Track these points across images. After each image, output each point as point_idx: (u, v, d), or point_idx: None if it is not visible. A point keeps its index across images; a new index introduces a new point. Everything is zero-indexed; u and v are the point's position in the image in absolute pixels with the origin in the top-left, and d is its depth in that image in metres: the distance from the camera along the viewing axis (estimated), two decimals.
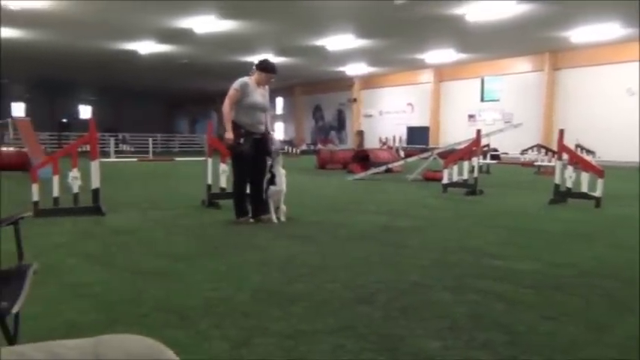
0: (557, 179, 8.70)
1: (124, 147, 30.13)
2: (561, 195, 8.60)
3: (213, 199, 7.71)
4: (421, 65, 30.04)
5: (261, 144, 6.41)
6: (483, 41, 23.31)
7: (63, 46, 24.17)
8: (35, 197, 6.57)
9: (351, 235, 5.77)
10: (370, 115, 36.69)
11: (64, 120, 40.89)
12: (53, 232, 5.68)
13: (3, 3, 16.12)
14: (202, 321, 2.93)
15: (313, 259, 4.58)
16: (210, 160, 7.84)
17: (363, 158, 16.14)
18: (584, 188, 8.40)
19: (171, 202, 8.42)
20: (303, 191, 9.92)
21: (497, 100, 29.20)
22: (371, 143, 32.62)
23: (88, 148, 7.10)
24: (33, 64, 29.88)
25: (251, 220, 6.39)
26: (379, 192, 10.48)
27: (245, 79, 6.42)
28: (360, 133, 36.40)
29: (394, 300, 3.39)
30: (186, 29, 20.47)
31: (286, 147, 31.62)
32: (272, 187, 6.42)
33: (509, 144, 22.85)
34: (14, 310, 1.88)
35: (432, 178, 12.56)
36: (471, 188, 9.95)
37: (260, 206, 6.45)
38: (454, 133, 27.99)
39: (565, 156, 8.84)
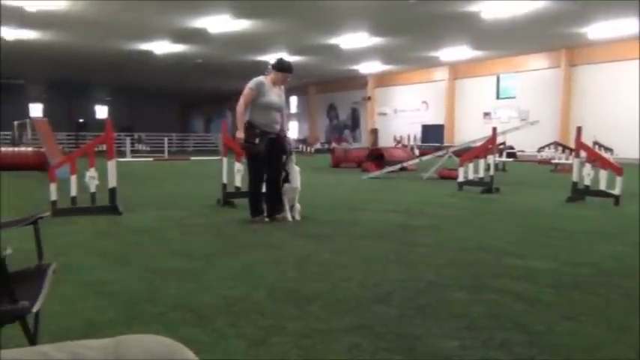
0: (574, 177, 8.60)
1: (140, 146, 30.37)
2: (579, 193, 8.50)
3: (228, 198, 7.74)
4: (436, 63, 29.87)
5: (276, 143, 6.38)
6: (499, 38, 23.12)
7: (79, 47, 24.43)
8: (53, 197, 6.64)
9: (366, 233, 5.75)
10: (384, 114, 36.59)
11: (81, 120, 41.34)
12: (71, 231, 5.74)
13: (21, 4, 16.32)
14: (219, 320, 2.94)
15: (329, 257, 4.58)
16: (225, 160, 7.86)
17: (377, 157, 16.09)
18: (603, 186, 8.29)
19: (186, 201, 8.47)
20: (317, 190, 9.94)
21: (513, 98, 28.95)
22: (385, 142, 32.52)
23: (104, 147, 7.17)
24: (50, 65, 30.26)
25: (266, 220, 6.38)
26: (394, 190, 10.44)
27: (261, 78, 6.39)
28: (375, 132, 36.32)
29: (410, 299, 3.37)
30: (201, 29, 20.57)
31: (300, 146, 31.67)
32: (286, 185, 6.43)
33: (526, 142, 22.63)
34: (34, 309, 1.90)
35: (447, 176, 12.49)
36: (486, 186, 9.87)
37: (275, 205, 6.43)
38: (469, 131, 27.78)
39: (583, 153, 8.73)
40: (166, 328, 2.78)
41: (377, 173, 13.43)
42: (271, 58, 28.06)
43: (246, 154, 6.54)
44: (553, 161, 17.47)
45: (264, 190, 6.50)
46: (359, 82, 36.26)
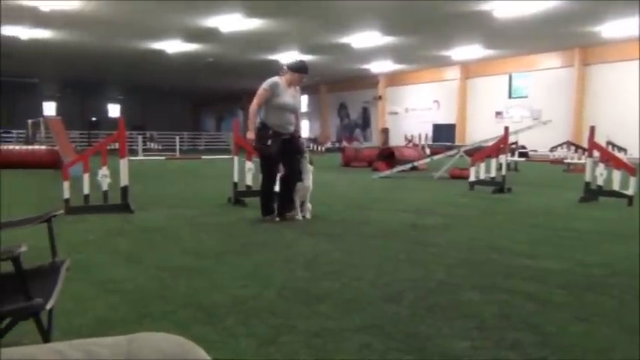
0: (587, 177, 8.52)
1: (152, 145, 30.55)
2: (592, 193, 8.43)
3: (239, 196, 7.76)
4: (447, 62, 29.73)
5: (290, 144, 6.34)
6: (511, 37, 22.96)
7: (93, 47, 24.61)
8: (66, 195, 6.70)
9: (377, 233, 5.75)
10: (395, 113, 36.49)
11: (94, 118, 41.66)
12: (83, 229, 5.79)
13: (35, 4, 16.48)
14: (229, 318, 2.95)
15: (339, 257, 4.58)
16: (236, 158, 7.89)
17: (388, 156, 16.06)
18: (616, 186, 8.21)
19: (198, 199, 8.50)
20: (328, 189, 9.94)
21: (526, 97, 28.74)
22: (396, 141, 32.43)
23: (117, 146, 7.23)
24: (64, 64, 30.52)
25: (277, 219, 6.37)
26: (405, 190, 10.42)
27: (275, 79, 6.31)
28: (385, 131, 36.23)
29: (421, 299, 3.36)
30: (213, 28, 20.63)
31: (311, 145, 31.68)
32: (299, 184, 6.42)
33: (538, 141, 22.47)
34: (48, 306, 1.92)
35: (458, 176, 12.43)
36: (498, 186, 9.82)
37: (286, 204, 6.42)
38: (481, 130, 27.62)
39: (596, 153, 8.66)
40: (177, 326, 2.79)
41: (387, 172, 13.40)
42: (282, 57, 28.19)
43: (260, 155, 6.49)
44: (566, 161, 17.33)
45: (276, 189, 6.49)
46: (370, 81, 36.19)
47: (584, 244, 5.21)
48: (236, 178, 7.81)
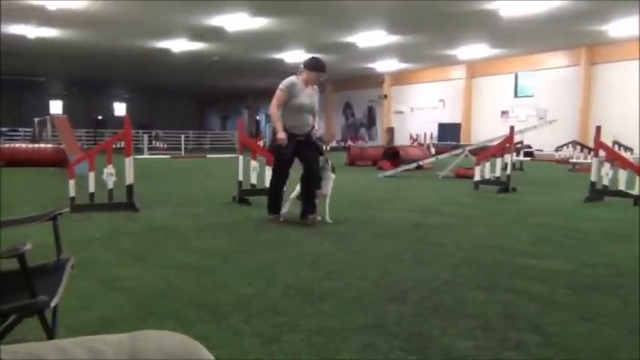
0: (593, 177, 8.49)
1: (158, 144, 30.63)
2: (598, 193, 8.39)
3: (244, 195, 7.78)
4: (453, 61, 29.65)
5: (306, 144, 6.15)
6: (517, 36, 22.88)
7: (98, 45, 24.70)
8: (72, 193, 6.73)
9: (381, 232, 5.74)
10: (401, 112, 36.45)
11: (100, 117, 41.83)
12: (88, 227, 5.82)
13: (42, 3, 16.55)
14: (233, 316, 2.96)
15: (344, 256, 4.58)
16: (241, 157, 7.90)
17: (393, 155, 16.04)
18: (622, 186, 8.18)
19: (203, 198, 8.53)
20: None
21: (532, 96, 28.65)
22: (401, 140, 32.41)
23: (122, 144, 7.25)
24: (70, 63, 30.64)
25: (281, 220, 6.28)
26: (410, 189, 10.40)
27: (292, 78, 6.18)
28: (391, 130, 36.20)
29: (425, 298, 3.36)
30: (218, 27, 20.66)
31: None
32: (317, 191, 6.26)
33: (544, 141, 22.38)
34: (53, 303, 1.93)
35: (463, 175, 12.40)
36: (503, 186, 9.79)
37: (308, 207, 6.16)
38: (486, 129, 27.54)
39: (602, 153, 8.62)
40: (181, 324, 2.81)
41: (392, 172, 13.39)
42: (288, 56, 28.19)
43: (273, 155, 6.42)
44: (571, 160, 17.26)
45: (296, 189, 6.38)
46: (375, 80, 36.15)
47: (589, 245, 5.19)
48: (241, 177, 7.82)
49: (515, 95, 29.61)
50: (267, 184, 7.99)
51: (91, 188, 6.87)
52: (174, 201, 8.09)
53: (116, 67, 32.23)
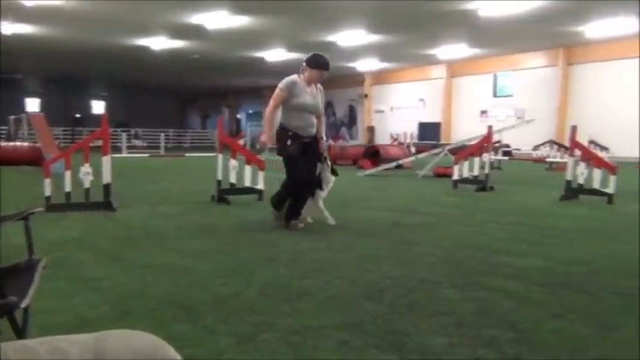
0: (568, 175, 8.63)
1: (137, 142, 30.31)
2: (573, 191, 8.54)
3: (223, 194, 7.75)
4: (433, 61, 29.85)
5: (310, 148, 5.80)
6: (496, 36, 23.12)
7: (77, 42, 24.37)
8: (47, 192, 6.64)
9: (360, 231, 5.77)
10: (381, 111, 36.61)
11: (78, 115, 41.25)
12: (65, 226, 5.75)
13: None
14: (210, 316, 2.95)
15: (322, 255, 4.60)
16: (220, 156, 7.87)
17: (373, 154, 16.11)
18: (597, 185, 8.33)
19: (181, 197, 8.47)
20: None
21: (510, 96, 28.99)
22: (382, 139, 32.55)
23: (100, 143, 7.17)
24: (47, 60, 30.16)
25: (300, 226, 5.85)
26: (389, 188, 10.46)
27: (293, 77, 5.79)
28: (371, 129, 36.34)
29: (402, 296, 3.39)
30: (198, 25, 20.53)
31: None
32: (318, 191, 6.09)
33: (522, 140, 22.67)
34: (23, 304, 1.91)
35: (442, 174, 12.51)
36: (481, 185, 9.91)
37: (294, 210, 5.89)
38: (466, 129, 27.81)
39: (577, 152, 8.76)
40: (157, 323, 2.79)
41: (372, 171, 13.45)
42: (269, 54, 28.10)
43: (283, 159, 5.87)
44: (548, 160, 17.52)
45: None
46: (356, 79, 36.24)
47: (564, 242, 5.29)
48: (220, 176, 7.79)
49: (494, 95, 29.93)
50: (249, 183, 8.00)
51: (68, 187, 6.78)
52: (152, 200, 8.02)
53: (94, 65, 31.83)
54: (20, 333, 1.98)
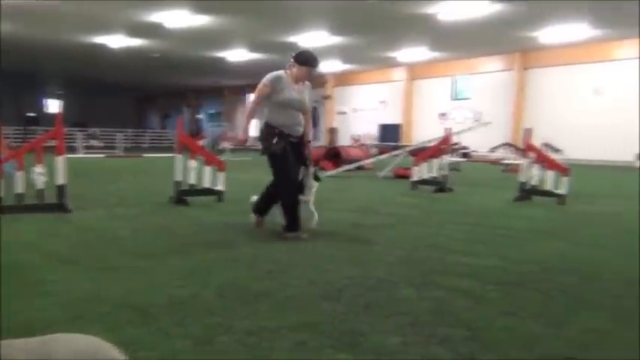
0: (522, 177, 8.88)
1: (94, 142, 29.59)
2: (527, 192, 8.78)
3: (182, 196, 7.65)
4: (394, 63, 30.25)
5: (296, 149, 5.45)
6: (455, 40, 23.60)
7: (29, 39, 23.64)
8: None
9: (320, 232, 5.78)
10: (343, 113, 36.83)
11: (32, 114, 39.99)
12: (16, 229, 5.56)
13: None
14: (165, 319, 2.91)
15: (281, 256, 4.59)
16: (179, 157, 7.77)
17: (334, 155, 16.19)
18: (549, 186, 8.60)
19: (139, 198, 8.32)
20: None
21: (468, 99, 29.61)
22: (344, 140, 32.74)
23: (55, 143, 6.97)
24: None
25: (304, 236, 5.37)
26: (350, 189, 10.53)
27: (279, 73, 5.44)
28: (333, 131, 36.51)
29: (359, 296, 3.42)
30: (158, 23, 20.23)
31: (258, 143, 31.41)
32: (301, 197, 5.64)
33: (480, 142, 23.20)
34: None
35: (402, 175, 12.67)
36: (439, 186, 10.09)
37: (294, 217, 5.44)
38: (426, 130, 28.29)
39: (531, 154, 9.02)
40: (110, 327, 2.73)
41: (333, 172, 13.51)
42: (230, 54, 27.87)
43: (269, 158, 5.45)
44: (503, 161, 17.97)
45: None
46: (318, 80, 36.36)
47: (518, 242, 5.43)
48: (179, 177, 7.69)
49: (453, 98, 30.53)
50: (209, 184, 7.93)
51: (20, 189, 6.57)
52: (108, 202, 7.85)
53: (49, 62, 30.95)
54: None
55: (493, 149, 21.85)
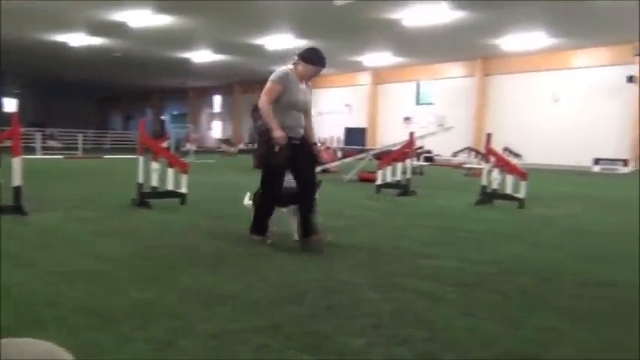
0: (483, 181, 9.07)
1: (53, 143, 28.82)
2: (488, 196, 8.98)
3: (144, 198, 7.53)
4: (359, 67, 30.50)
5: (300, 150, 5.13)
6: (419, 46, 23.96)
7: None
8: None
9: (284, 235, 5.76)
10: None
11: None
12: None
13: None
14: (126, 323, 2.86)
15: (245, 259, 4.57)
16: (141, 158, 7.64)
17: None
18: (509, 190, 8.81)
19: (99, 201, 8.15)
20: (236, 191, 9.81)
21: (432, 104, 30.08)
22: None
23: (10, 143, 6.76)
24: None
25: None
26: None
27: (287, 70, 5.14)
28: None
29: (323, 299, 3.43)
30: (120, 22, 19.88)
31: (222, 146, 31.30)
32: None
33: (443, 146, 23.60)
34: None
35: (367, 178, 12.77)
36: (403, 189, 10.21)
37: (308, 226, 5.14)
38: (391, 134, 28.62)
39: (492, 159, 9.23)
40: (68, 332, 2.67)
41: None
42: (195, 55, 27.57)
43: (263, 163, 5.27)
44: (465, 165, 18.31)
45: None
46: None
47: (478, 244, 5.55)
48: (141, 179, 7.56)
49: (417, 102, 30.96)
50: (172, 186, 7.83)
51: None
52: (67, 204, 7.66)
53: (7, 60, 29.99)
54: None
55: (456, 153, 22.26)
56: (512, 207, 8.56)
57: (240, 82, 39.32)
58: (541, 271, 4.39)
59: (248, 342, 2.64)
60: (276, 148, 4.93)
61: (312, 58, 5.18)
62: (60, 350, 0.92)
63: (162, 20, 19.47)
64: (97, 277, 3.84)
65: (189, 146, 24.29)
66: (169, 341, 2.63)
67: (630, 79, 22.33)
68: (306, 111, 5.30)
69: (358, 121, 33.40)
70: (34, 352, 0.91)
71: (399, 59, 27.54)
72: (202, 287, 3.64)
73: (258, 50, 25.00)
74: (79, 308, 3.09)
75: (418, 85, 30.80)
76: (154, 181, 7.65)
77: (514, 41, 22.11)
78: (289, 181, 5.27)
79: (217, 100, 45.22)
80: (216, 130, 45.47)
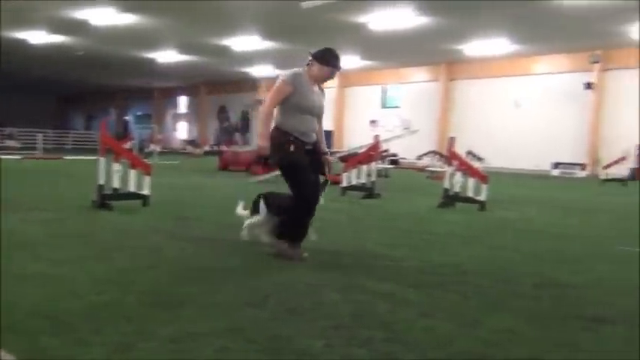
0: (446, 184, 9.22)
1: (11, 143, 27.99)
2: (450, 199, 9.13)
3: (105, 200, 7.38)
4: None
5: (312, 158, 4.80)
6: (386, 50, 24.21)
7: None
8: None
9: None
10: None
11: None
12: None
13: None
14: (82, 327, 2.81)
15: (207, 261, 4.54)
16: (102, 159, 7.50)
17: (265, 160, 16.11)
18: (471, 193, 8.98)
19: (58, 202, 7.95)
20: (200, 192, 9.79)
21: (398, 107, 30.43)
22: None
23: None
24: None
25: (305, 255, 4.71)
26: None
27: (300, 71, 4.80)
28: None
29: (285, 301, 3.43)
30: (82, 20, 19.46)
31: (187, 147, 30.93)
32: None
33: (409, 150, 23.87)
34: None
35: (332, 181, 12.79)
36: (368, 192, 10.29)
37: (295, 232, 4.80)
38: (357, 137, 28.78)
39: (454, 162, 9.39)
40: (20, 337, 2.60)
41: (264, 177, 13.46)
42: (160, 55, 27.19)
43: (282, 168, 4.75)
44: (429, 168, 18.56)
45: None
46: (251, 84, 36.20)
47: (439, 246, 5.64)
48: (102, 181, 7.41)
49: (384, 106, 31.27)
50: (134, 188, 7.69)
51: None
52: (24, 205, 7.45)
53: None
54: None
55: (420, 157, 22.55)
56: (474, 209, 8.73)
57: (206, 83, 39.00)
58: (499, 273, 4.49)
59: (208, 345, 2.62)
60: (292, 148, 4.61)
61: (328, 59, 4.82)
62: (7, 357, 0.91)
63: (126, 19, 19.15)
64: (53, 280, 3.75)
65: (154, 147, 23.93)
66: (127, 345, 2.59)
67: (588, 85, 23.06)
68: (319, 116, 4.93)
69: (325, 124, 33.49)
70: None
71: (366, 63, 27.76)
72: (163, 290, 3.60)
73: (225, 51, 24.84)
74: (33, 312, 3.01)
75: (384, 89, 31.11)
76: (116, 183, 7.52)
77: (477, 47, 22.57)
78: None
79: (183, 101, 44.73)
80: (182, 131, 44.95)
